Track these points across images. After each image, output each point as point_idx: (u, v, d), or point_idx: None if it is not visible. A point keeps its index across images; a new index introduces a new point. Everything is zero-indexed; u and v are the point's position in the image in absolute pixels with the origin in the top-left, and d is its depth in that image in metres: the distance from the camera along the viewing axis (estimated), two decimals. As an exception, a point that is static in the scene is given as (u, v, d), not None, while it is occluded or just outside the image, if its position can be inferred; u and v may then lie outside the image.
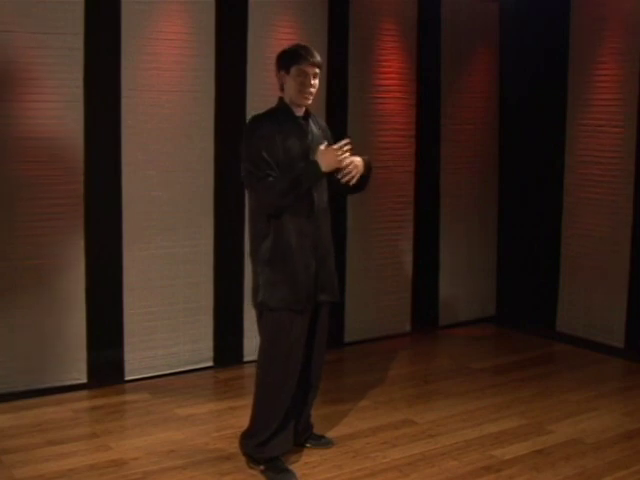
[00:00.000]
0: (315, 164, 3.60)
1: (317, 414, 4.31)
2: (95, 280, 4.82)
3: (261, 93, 5.23)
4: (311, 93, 3.71)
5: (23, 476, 3.66)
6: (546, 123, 6.31)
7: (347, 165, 3.66)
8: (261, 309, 3.69)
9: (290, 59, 3.68)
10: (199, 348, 5.18)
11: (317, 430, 4.13)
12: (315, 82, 3.71)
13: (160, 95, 4.89)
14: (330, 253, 3.83)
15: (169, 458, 3.89)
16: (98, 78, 4.75)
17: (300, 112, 3.74)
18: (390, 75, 5.87)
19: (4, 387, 4.55)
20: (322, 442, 4.07)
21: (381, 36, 5.79)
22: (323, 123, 3.97)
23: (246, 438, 3.81)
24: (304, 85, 3.67)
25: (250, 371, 5.17)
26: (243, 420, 4.37)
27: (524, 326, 6.37)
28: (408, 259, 6.13)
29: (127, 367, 4.93)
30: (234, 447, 4.00)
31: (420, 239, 6.21)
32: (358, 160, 3.74)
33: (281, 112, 3.72)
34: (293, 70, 3.66)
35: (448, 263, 6.36)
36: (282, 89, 3.73)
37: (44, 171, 4.56)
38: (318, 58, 3.71)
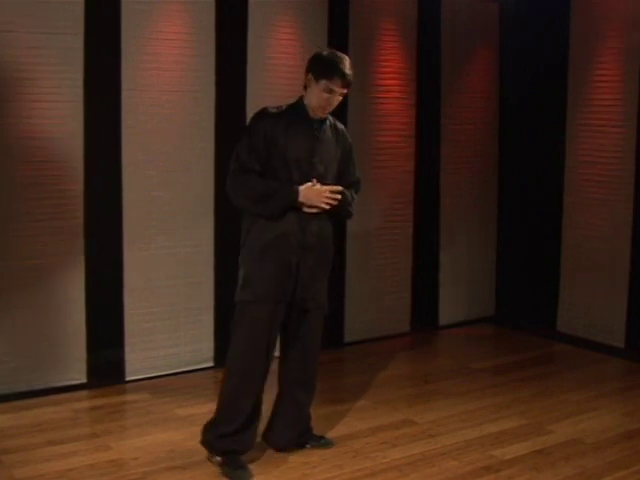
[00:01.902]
0: (295, 192, 3.57)
1: (317, 414, 4.31)
2: (95, 280, 4.82)
3: (261, 93, 5.23)
4: (331, 109, 3.68)
5: (23, 476, 3.66)
6: (546, 123, 6.31)
7: (324, 208, 3.65)
8: (237, 301, 3.70)
9: (324, 70, 3.59)
10: (200, 348, 5.18)
11: (317, 430, 4.13)
12: (339, 99, 3.66)
13: (160, 95, 4.89)
14: (323, 261, 3.78)
15: (169, 458, 3.89)
16: (98, 78, 4.75)
17: (316, 114, 3.69)
18: (390, 75, 5.87)
19: (4, 387, 4.55)
20: (322, 442, 4.06)
21: (381, 36, 5.80)
22: (341, 127, 3.88)
23: (209, 427, 3.78)
24: (328, 102, 3.63)
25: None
26: (243, 420, 4.38)
27: (524, 326, 6.37)
28: (408, 259, 6.13)
29: (127, 367, 4.93)
30: (234, 447, 4.01)
31: (420, 239, 6.21)
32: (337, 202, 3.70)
33: (296, 110, 3.68)
34: (323, 83, 3.59)
35: (448, 263, 6.36)
36: (305, 88, 3.68)
37: (44, 171, 4.56)
38: (351, 77, 3.62)
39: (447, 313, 6.41)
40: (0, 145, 4.44)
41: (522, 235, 6.51)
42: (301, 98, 3.73)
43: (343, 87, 3.62)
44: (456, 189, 6.32)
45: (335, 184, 3.74)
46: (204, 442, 3.81)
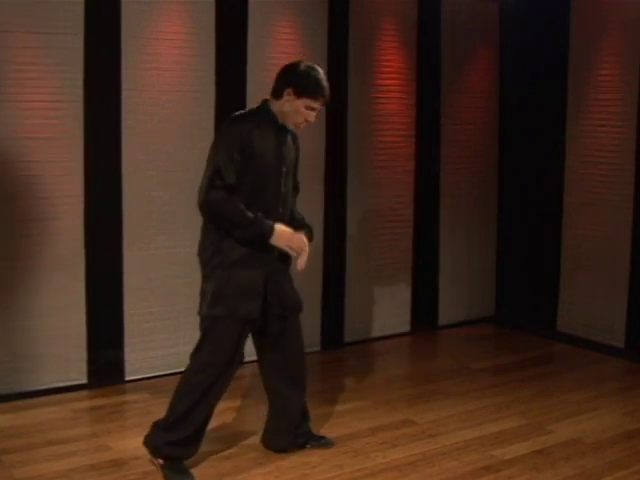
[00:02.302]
0: (270, 230, 3.53)
1: (317, 414, 4.31)
2: (95, 280, 4.82)
3: (261, 93, 5.18)
4: (304, 126, 3.68)
5: (23, 476, 3.66)
6: (546, 123, 6.31)
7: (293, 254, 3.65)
8: (206, 316, 3.64)
9: (308, 88, 3.56)
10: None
11: (317, 430, 4.13)
12: (315, 116, 3.65)
13: (160, 95, 4.89)
14: (287, 268, 3.78)
15: (169, 458, 3.88)
16: (98, 78, 4.74)
17: (291, 127, 3.68)
18: (390, 75, 5.86)
19: (4, 387, 4.55)
20: (322, 442, 4.05)
21: (381, 36, 5.79)
22: (295, 134, 3.85)
23: (158, 432, 3.69)
24: (306, 120, 3.62)
25: (251, 371, 5.17)
26: (243, 420, 4.38)
27: (524, 326, 6.37)
28: (408, 259, 6.13)
29: (127, 367, 4.93)
30: (234, 447, 4.00)
31: (420, 239, 6.21)
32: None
33: (266, 117, 3.64)
34: (304, 101, 3.56)
35: (448, 263, 6.36)
36: (277, 98, 3.63)
37: (44, 171, 4.56)
38: (329, 95, 3.62)
39: (447, 313, 6.41)
40: (0, 145, 4.44)
41: (522, 235, 6.51)
42: (266, 103, 3.68)
43: (324, 105, 3.64)
44: (456, 189, 6.32)
45: (291, 190, 3.76)
46: (149, 445, 3.72)
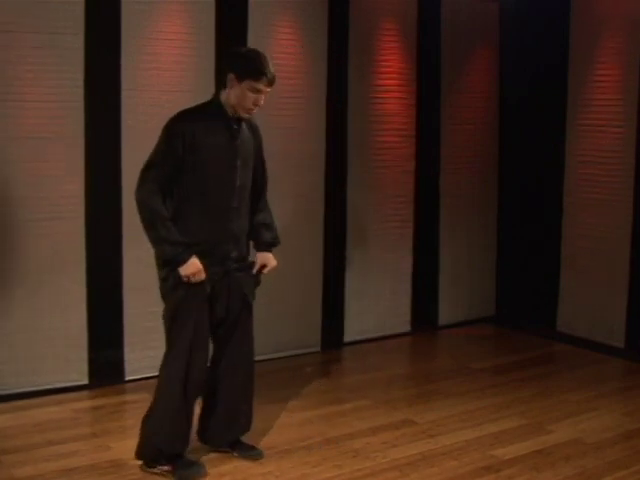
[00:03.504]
0: (184, 256, 3.49)
1: (317, 414, 4.33)
2: (95, 280, 4.82)
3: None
4: (257, 109, 3.63)
5: (23, 476, 3.66)
6: (546, 123, 6.31)
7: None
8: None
9: (248, 71, 3.52)
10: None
11: (318, 430, 4.13)
12: (264, 98, 3.60)
13: (160, 95, 4.89)
14: (244, 256, 3.79)
15: (169, 458, 3.88)
16: (98, 78, 4.74)
17: (240, 114, 3.62)
18: (390, 75, 5.86)
19: (4, 387, 4.55)
20: (252, 454, 3.91)
21: (381, 36, 5.79)
22: (255, 123, 3.81)
23: (150, 448, 3.67)
24: (254, 102, 3.57)
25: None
26: (243, 420, 4.37)
27: (524, 326, 6.37)
28: (408, 259, 6.13)
29: (127, 367, 4.93)
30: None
31: (420, 239, 6.20)
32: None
33: (214, 110, 3.60)
34: (247, 83, 3.52)
35: (448, 263, 6.36)
36: (223, 87, 3.59)
37: (44, 171, 4.56)
38: (274, 75, 3.58)
39: (447, 313, 6.41)
40: (0, 145, 4.44)
41: (522, 235, 6.51)
42: (216, 97, 3.65)
43: (269, 86, 3.58)
44: (456, 189, 6.32)
45: (249, 183, 3.73)
46: (146, 460, 3.71)
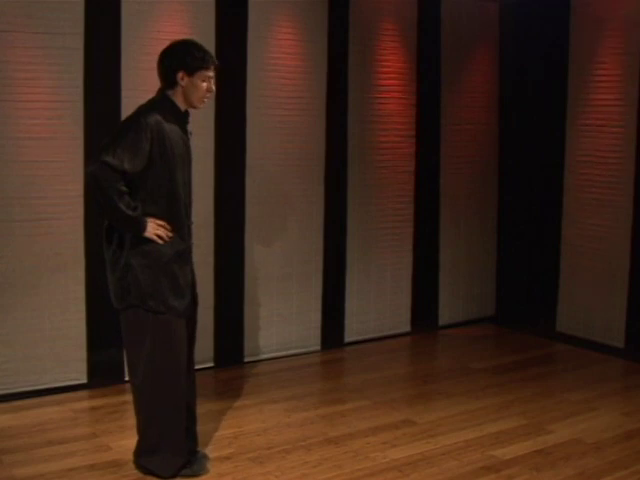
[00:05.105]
0: (143, 225, 3.50)
1: (317, 414, 4.32)
2: (95, 280, 4.81)
3: (261, 93, 5.24)
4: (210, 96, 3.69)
5: (23, 476, 3.66)
6: (546, 123, 6.31)
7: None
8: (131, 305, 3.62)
9: (196, 63, 3.54)
10: (199, 348, 5.14)
11: (318, 430, 4.13)
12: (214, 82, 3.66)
13: (160, 95, 4.89)
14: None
15: (169, 458, 3.88)
16: (98, 78, 4.75)
17: (183, 108, 3.65)
18: (390, 75, 5.87)
19: (4, 387, 4.55)
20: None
21: (381, 36, 5.79)
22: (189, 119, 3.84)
23: (149, 455, 3.70)
24: (209, 91, 3.61)
25: (251, 371, 5.18)
26: (243, 420, 4.38)
27: (524, 326, 6.37)
28: (408, 259, 6.13)
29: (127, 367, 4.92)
30: (233, 447, 4.00)
31: (420, 239, 6.21)
32: None
33: (168, 107, 3.59)
34: (199, 75, 3.55)
35: (448, 263, 6.36)
36: (172, 86, 3.57)
37: (44, 171, 4.57)
38: (214, 57, 3.64)
39: (447, 313, 6.41)
40: (0, 145, 4.44)
41: (522, 235, 6.51)
42: (164, 94, 3.61)
43: (215, 70, 3.64)
44: (456, 189, 6.32)
45: None
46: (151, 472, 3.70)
